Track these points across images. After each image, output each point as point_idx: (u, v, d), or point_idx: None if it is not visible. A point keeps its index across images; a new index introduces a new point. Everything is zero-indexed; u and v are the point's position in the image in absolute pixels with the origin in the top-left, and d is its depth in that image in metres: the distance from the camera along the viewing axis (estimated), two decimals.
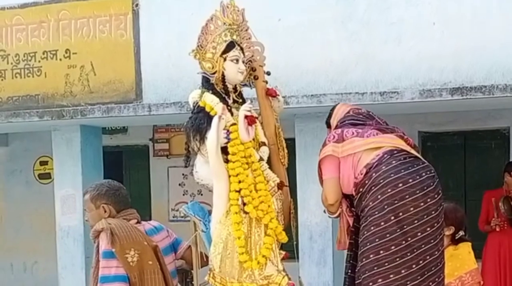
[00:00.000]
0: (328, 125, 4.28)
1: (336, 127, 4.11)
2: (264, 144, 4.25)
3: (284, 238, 4.00)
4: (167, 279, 3.92)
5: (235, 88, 4.25)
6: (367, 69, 6.26)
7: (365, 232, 3.77)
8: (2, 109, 8.04)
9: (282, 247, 4.12)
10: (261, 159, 4.12)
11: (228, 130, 3.98)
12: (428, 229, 3.77)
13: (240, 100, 4.27)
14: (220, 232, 3.92)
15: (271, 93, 4.36)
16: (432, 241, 3.78)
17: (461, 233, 4.70)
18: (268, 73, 4.42)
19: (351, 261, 3.97)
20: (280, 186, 4.11)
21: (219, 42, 4.17)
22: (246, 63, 4.33)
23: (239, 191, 3.90)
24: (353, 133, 3.97)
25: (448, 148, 9.61)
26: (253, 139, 4.18)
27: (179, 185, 10.62)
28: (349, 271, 3.96)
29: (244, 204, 3.91)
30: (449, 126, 9.34)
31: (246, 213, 3.92)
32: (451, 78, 6.31)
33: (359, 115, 4.11)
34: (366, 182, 3.83)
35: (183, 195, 10.41)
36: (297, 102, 6.41)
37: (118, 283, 3.78)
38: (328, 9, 6.47)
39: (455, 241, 4.69)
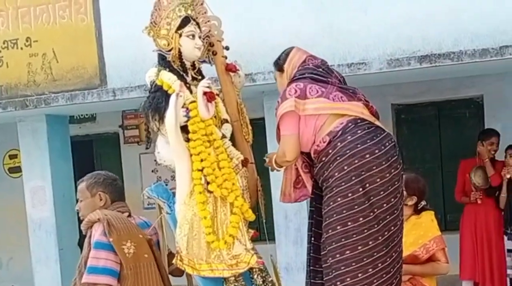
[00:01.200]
0: (279, 69, 4.07)
1: (294, 79, 3.90)
2: (226, 121, 4.12)
3: (251, 216, 3.88)
4: (162, 273, 3.80)
5: (193, 65, 4.11)
6: (334, 41, 6.12)
7: (331, 203, 3.66)
8: None
9: (251, 225, 4.01)
10: (223, 136, 3.99)
11: (187, 108, 3.85)
12: (392, 199, 3.71)
13: (199, 77, 4.13)
14: (185, 213, 3.79)
15: (230, 69, 4.23)
16: (395, 211, 3.72)
17: (423, 202, 4.65)
18: (227, 48, 4.28)
19: (313, 229, 3.88)
20: (244, 163, 3.99)
21: (173, 18, 4.01)
22: (204, 39, 4.19)
23: (201, 170, 3.78)
24: (317, 92, 3.80)
25: (422, 119, 9.52)
26: (215, 116, 4.06)
27: (152, 171, 10.47)
28: (312, 239, 3.86)
29: (208, 183, 3.79)
30: (422, 97, 9.25)
31: (210, 192, 3.79)
32: (419, 47, 6.19)
33: (319, 68, 3.93)
34: (330, 151, 3.71)
35: (157, 181, 10.25)
36: (263, 79, 6.26)
37: (105, 276, 3.65)
38: None
39: (417, 211, 4.65)
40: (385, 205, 3.67)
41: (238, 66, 4.23)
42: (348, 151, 3.67)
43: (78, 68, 7.48)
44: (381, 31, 6.05)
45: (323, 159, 3.74)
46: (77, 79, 7.51)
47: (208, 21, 4.27)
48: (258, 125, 7.93)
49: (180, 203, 3.81)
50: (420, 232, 4.53)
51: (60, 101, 7.37)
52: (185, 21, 4.00)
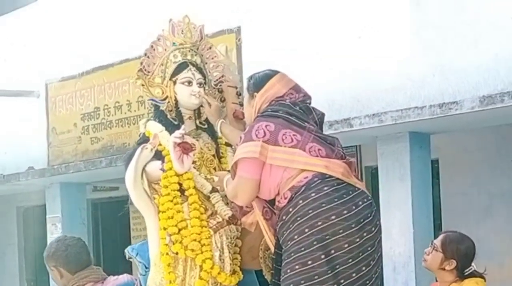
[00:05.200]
0: (249, 93, 3.49)
1: (264, 113, 3.33)
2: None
3: (226, 280, 3.49)
4: None
5: (198, 113, 3.83)
6: (444, 79, 5.44)
7: (288, 271, 3.13)
8: None
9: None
10: (214, 190, 3.64)
11: (163, 161, 3.58)
12: (364, 268, 3.11)
13: (205, 126, 3.83)
14: (155, 276, 3.56)
15: (237, 115, 3.87)
16: (367, 282, 3.13)
17: (473, 267, 3.80)
18: (239, 94, 3.93)
19: None
20: (231, 220, 3.58)
21: (168, 65, 3.78)
22: (217, 85, 3.90)
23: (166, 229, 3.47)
24: (291, 140, 3.23)
25: None
26: (214, 168, 3.74)
27: None
28: None
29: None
30: None
31: (175, 253, 3.46)
32: None
33: (295, 106, 3.34)
34: (290, 210, 3.17)
35: None
36: (360, 124, 5.71)
37: None
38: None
39: (463, 277, 3.81)
40: (354, 275, 3.08)
41: None
42: (310, 211, 3.12)
43: None
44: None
45: (284, 217, 3.20)
46: None
47: (220, 65, 3.98)
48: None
49: (152, 264, 3.56)
50: None
51: None
52: (181, 67, 3.77)
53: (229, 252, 3.54)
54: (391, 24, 5.95)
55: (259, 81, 3.47)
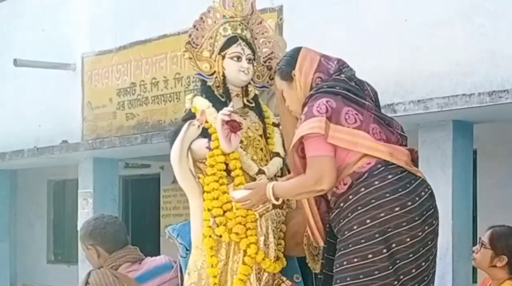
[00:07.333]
0: (286, 77, 3.24)
1: (319, 91, 3.05)
2: (277, 154, 3.60)
3: (270, 267, 3.33)
4: None
5: (246, 91, 3.65)
6: (494, 66, 5.20)
7: (345, 263, 2.94)
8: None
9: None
10: (260, 172, 3.47)
11: (210, 139, 3.41)
12: (423, 263, 2.94)
13: (253, 105, 3.66)
14: (196, 259, 3.41)
15: None
16: (425, 278, 2.97)
17: None
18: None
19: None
20: (277, 204, 3.40)
21: (217, 38, 3.62)
22: (265, 62, 3.72)
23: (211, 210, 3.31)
24: (355, 120, 2.98)
25: None
26: (261, 149, 3.56)
27: None
28: None
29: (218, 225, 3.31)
30: None
31: (219, 236, 3.31)
32: None
33: (351, 82, 3.08)
34: (351, 197, 2.97)
35: None
36: (404, 110, 5.50)
37: None
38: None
39: None
40: (414, 271, 2.91)
41: None
42: (373, 201, 2.91)
43: None
44: None
45: (341, 204, 3.00)
46: None
47: (270, 41, 3.79)
48: None
49: (193, 246, 3.41)
50: None
51: None
52: (231, 41, 3.58)
53: (274, 237, 3.38)
54: (439, 7, 5.72)
55: (291, 59, 3.23)
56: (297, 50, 3.24)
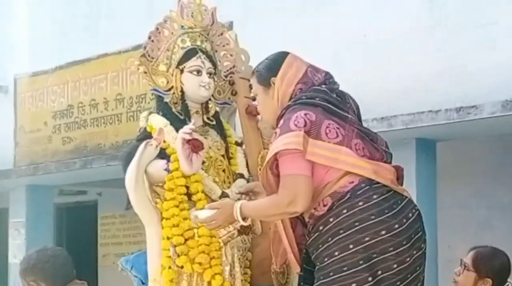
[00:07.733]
0: (263, 82, 2.93)
1: (297, 102, 2.79)
2: (241, 176, 3.32)
3: None
4: None
5: (206, 108, 3.35)
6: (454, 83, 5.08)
7: None
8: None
9: None
10: (223, 195, 3.17)
11: (168, 160, 3.10)
12: None
13: (214, 123, 3.36)
14: None
15: (251, 111, 3.41)
16: None
17: (509, 283, 3.48)
18: (251, 87, 3.45)
19: None
20: (243, 230, 3.10)
21: (174, 50, 3.31)
22: (226, 76, 3.43)
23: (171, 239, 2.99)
24: (336, 135, 2.73)
25: None
26: (223, 170, 3.27)
27: None
28: None
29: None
30: None
31: (180, 267, 2.98)
32: None
33: (333, 93, 2.83)
34: (331, 219, 2.69)
35: None
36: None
37: None
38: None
39: None
40: None
41: None
42: (357, 224, 2.65)
43: None
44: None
45: (321, 228, 2.71)
46: None
47: (232, 54, 3.51)
48: None
49: (150, 280, 3.11)
50: None
51: None
52: (190, 54, 3.31)
53: (240, 266, 3.10)
54: (399, 23, 5.57)
55: (273, 64, 2.93)
56: (282, 55, 2.94)
